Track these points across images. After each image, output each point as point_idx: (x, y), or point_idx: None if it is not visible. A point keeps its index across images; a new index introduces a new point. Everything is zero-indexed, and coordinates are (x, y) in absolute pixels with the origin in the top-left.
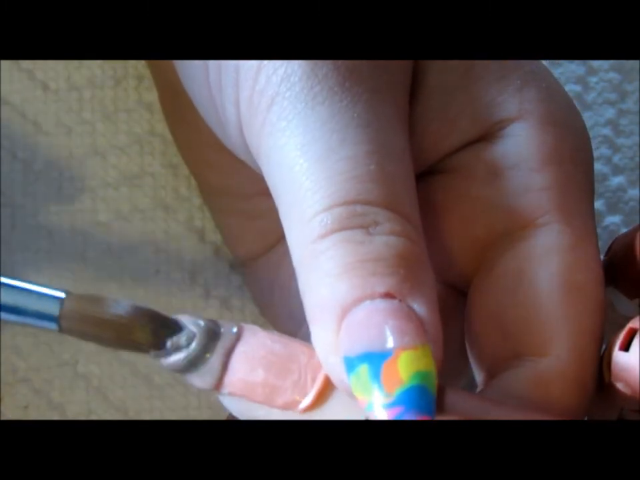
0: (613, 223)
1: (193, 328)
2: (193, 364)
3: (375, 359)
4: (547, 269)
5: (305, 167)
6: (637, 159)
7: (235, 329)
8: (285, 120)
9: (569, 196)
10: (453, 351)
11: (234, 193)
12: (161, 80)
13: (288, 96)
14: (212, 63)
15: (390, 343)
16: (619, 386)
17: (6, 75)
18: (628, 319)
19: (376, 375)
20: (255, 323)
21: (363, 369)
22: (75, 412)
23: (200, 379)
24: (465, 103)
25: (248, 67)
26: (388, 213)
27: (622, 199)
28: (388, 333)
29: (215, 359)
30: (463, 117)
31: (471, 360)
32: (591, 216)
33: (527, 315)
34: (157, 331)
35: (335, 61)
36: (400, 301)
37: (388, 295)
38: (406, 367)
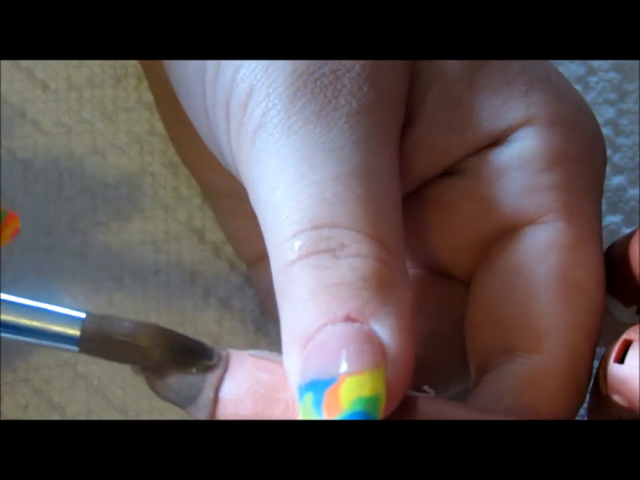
0: (613, 222)
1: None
2: (184, 395)
3: (319, 386)
4: (545, 265)
5: (278, 194)
6: (637, 159)
7: (222, 363)
8: (263, 151)
9: (575, 196)
10: (458, 346)
11: (240, 197)
12: (161, 86)
13: (267, 128)
14: (209, 97)
15: (341, 369)
16: (616, 398)
17: (6, 75)
18: (625, 327)
19: (317, 404)
20: (254, 322)
21: (308, 397)
22: (74, 412)
23: (197, 412)
24: (470, 115)
25: (236, 101)
26: (354, 234)
27: (622, 199)
28: (339, 358)
29: (205, 394)
30: (469, 129)
31: (468, 355)
32: (597, 216)
33: (522, 310)
34: (178, 352)
35: (314, 88)
36: (362, 323)
37: (349, 319)
38: (347, 393)
